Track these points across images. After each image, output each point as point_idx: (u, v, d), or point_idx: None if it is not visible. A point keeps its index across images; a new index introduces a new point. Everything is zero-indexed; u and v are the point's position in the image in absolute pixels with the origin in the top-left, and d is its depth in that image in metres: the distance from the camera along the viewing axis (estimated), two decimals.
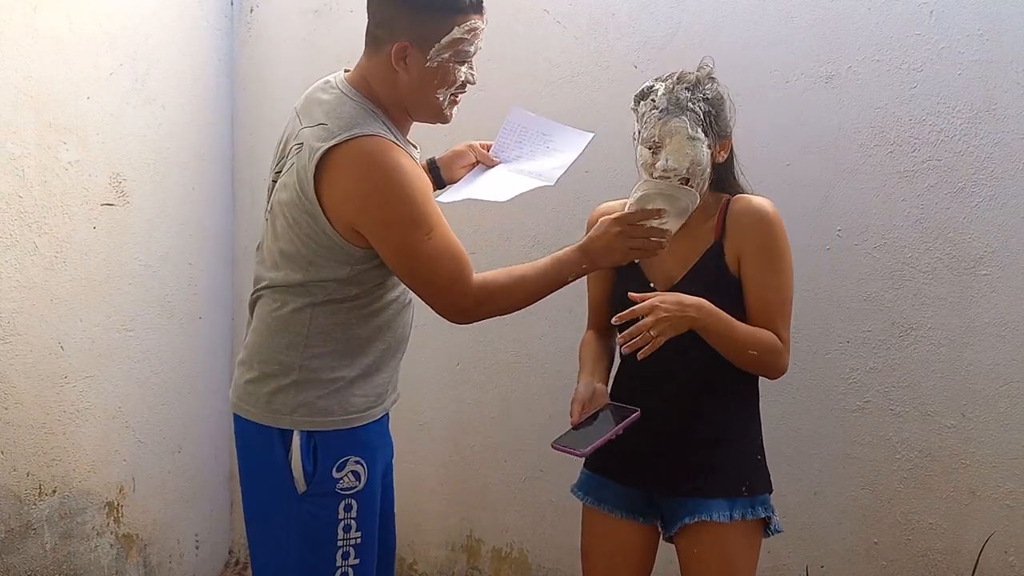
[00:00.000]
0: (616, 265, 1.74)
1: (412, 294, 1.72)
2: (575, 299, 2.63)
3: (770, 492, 1.79)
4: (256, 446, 1.69)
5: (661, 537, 1.83)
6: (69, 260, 2.46)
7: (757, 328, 1.70)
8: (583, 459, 1.79)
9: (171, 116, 2.75)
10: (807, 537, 2.40)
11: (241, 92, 3.01)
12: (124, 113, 2.59)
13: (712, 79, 1.76)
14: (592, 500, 1.84)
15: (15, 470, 2.36)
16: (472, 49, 1.62)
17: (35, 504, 2.41)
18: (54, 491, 2.47)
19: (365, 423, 1.66)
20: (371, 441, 1.68)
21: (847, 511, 2.37)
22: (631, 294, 1.66)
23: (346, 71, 1.70)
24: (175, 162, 2.78)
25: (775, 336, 1.71)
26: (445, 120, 1.68)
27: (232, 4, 2.98)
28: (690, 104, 1.70)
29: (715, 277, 1.73)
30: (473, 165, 1.92)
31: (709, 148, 1.71)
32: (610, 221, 1.65)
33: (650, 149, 1.72)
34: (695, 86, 1.72)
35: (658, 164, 1.69)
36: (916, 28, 2.23)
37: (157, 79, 2.69)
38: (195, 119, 2.86)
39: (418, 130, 1.75)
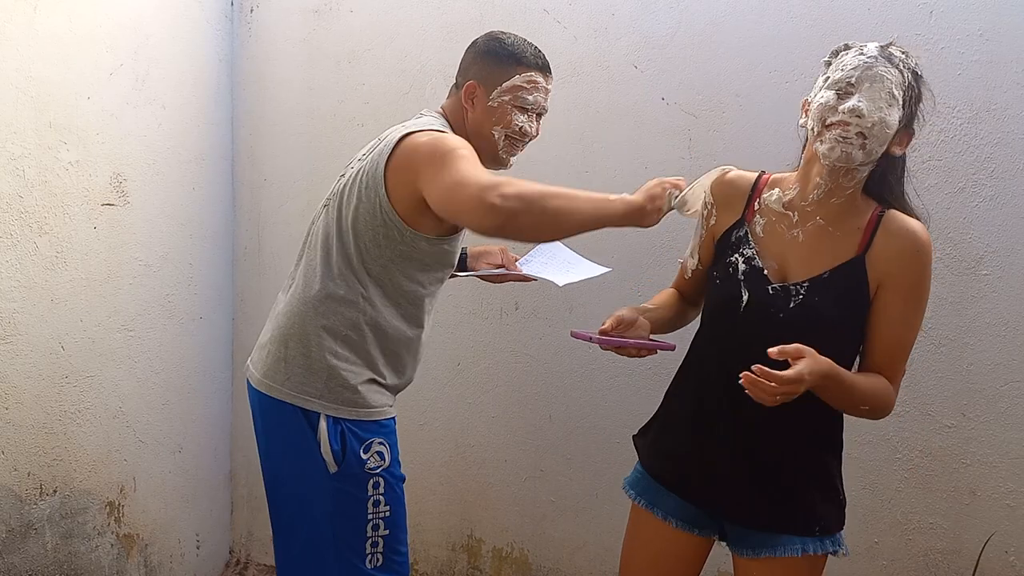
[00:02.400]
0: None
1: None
2: (575, 298, 2.63)
3: (842, 528, 1.68)
4: (285, 425, 1.81)
5: (716, 544, 1.75)
6: (69, 260, 2.46)
7: (873, 380, 1.56)
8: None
9: (171, 116, 2.75)
10: None
11: (241, 92, 3.02)
12: (124, 113, 2.59)
13: (920, 73, 1.57)
14: (646, 503, 1.75)
15: (16, 470, 2.36)
16: (532, 99, 1.82)
17: (36, 504, 2.41)
18: (55, 491, 2.47)
19: (382, 419, 1.83)
20: (390, 427, 1.85)
21: (847, 511, 2.37)
22: (774, 351, 1.43)
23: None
24: (175, 162, 2.78)
25: (887, 382, 1.57)
26: (502, 162, 1.88)
27: (232, 4, 2.98)
28: (901, 65, 1.52)
29: (852, 294, 1.56)
30: (498, 267, 2.08)
31: (899, 123, 1.52)
32: (648, 195, 1.65)
33: (838, 92, 1.52)
34: (909, 55, 1.55)
35: (844, 106, 1.50)
36: (916, 28, 2.23)
37: (157, 79, 2.69)
38: (195, 119, 2.86)
39: None
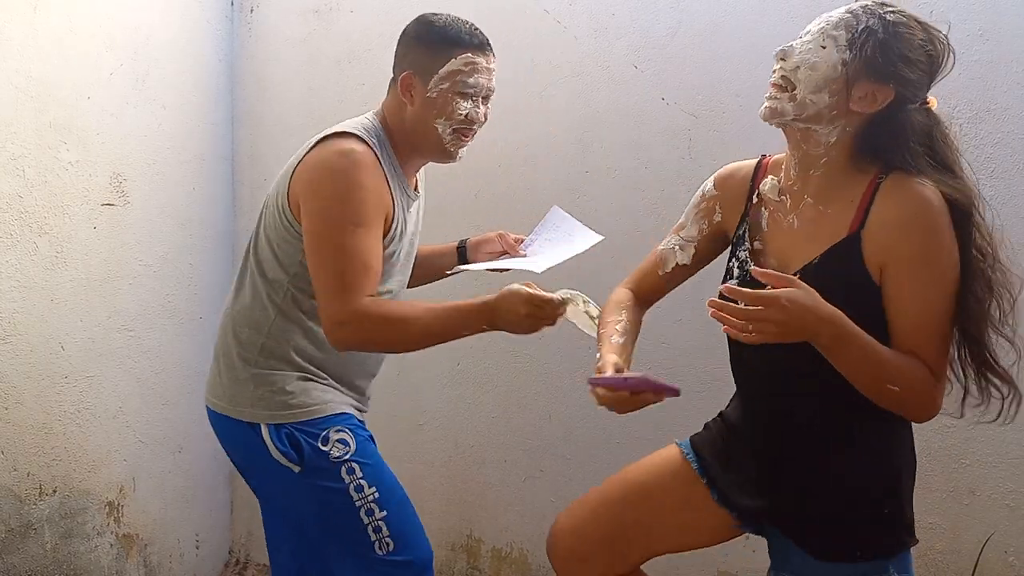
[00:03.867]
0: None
1: None
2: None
3: (911, 543, 1.45)
4: (238, 440, 1.76)
5: (741, 531, 1.59)
6: (69, 260, 2.46)
7: (906, 358, 1.31)
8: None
9: (171, 116, 2.75)
10: None
11: (241, 92, 3.01)
12: (124, 113, 2.59)
13: (923, 24, 1.38)
14: (698, 467, 1.56)
15: (15, 470, 2.36)
16: (473, 82, 1.66)
17: (35, 504, 2.41)
18: (54, 491, 2.47)
19: (325, 415, 1.72)
20: (346, 419, 1.75)
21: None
22: (757, 269, 1.29)
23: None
24: (175, 162, 2.78)
25: (924, 366, 1.33)
26: (449, 155, 1.74)
27: (232, 4, 2.98)
28: (860, 11, 1.34)
29: (847, 278, 1.34)
30: (500, 254, 1.96)
31: (844, 67, 1.31)
32: (522, 300, 1.63)
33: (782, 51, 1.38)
34: (884, 5, 1.36)
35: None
36: None
37: (157, 79, 2.69)
38: (195, 119, 2.86)
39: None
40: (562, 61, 2.60)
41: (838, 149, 1.37)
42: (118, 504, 2.67)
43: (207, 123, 2.91)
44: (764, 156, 1.54)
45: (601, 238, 1.90)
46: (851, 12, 1.34)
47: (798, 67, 1.33)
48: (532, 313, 1.64)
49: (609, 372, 1.40)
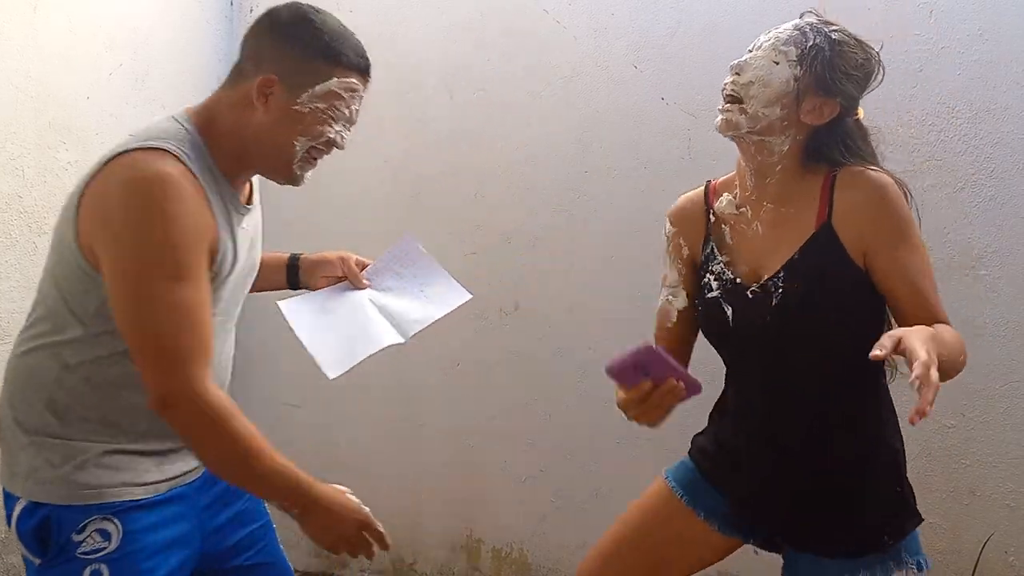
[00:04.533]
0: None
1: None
2: (575, 299, 2.63)
3: (918, 522, 1.48)
4: None
5: (749, 546, 1.64)
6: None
7: (944, 328, 1.36)
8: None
9: None
10: None
11: None
12: (124, 113, 2.59)
13: (860, 42, 1.46)
14: (688, 499, 1.61)
15: None
16: (347, 110, 1.42)
17: None
18: None
19: (110, 500, 1.32)
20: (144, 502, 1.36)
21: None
22: (877, 348, 1.19)
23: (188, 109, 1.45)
24: None
25: (950, 327, 1.38)
26: (293, 178, 1.44)
27: (232, 4, 2.98)
28: (807, 28, 1.43)
29: (833, 264, 1.40)
30: (339, 279, 1.69)
31: (796, 82, 1.40)
32: (353, 520, 1.42)
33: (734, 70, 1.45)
34: (827, 24, 1.46)
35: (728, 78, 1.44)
36: (916, 28, 2.23)
37: (157, 79, 2.69)
38: None
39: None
40: (562, 61, 2.60)
41: (790, 156, 1.45)
42: None
43: None
44: (709, 181, 1.61)
45: (470, 296, 1.67)
46: (799, 29, 1.43)
47: (752, 82, 1.41)
48: (355, 538, 1.43)
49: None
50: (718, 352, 1.57)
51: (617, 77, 2.54)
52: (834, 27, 1.45)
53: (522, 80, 2.65)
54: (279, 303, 1.64)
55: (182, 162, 1.31)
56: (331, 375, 1.54)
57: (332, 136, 1.43)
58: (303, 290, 1.70)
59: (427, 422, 2.84)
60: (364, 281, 1.69)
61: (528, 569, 2.75)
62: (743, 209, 1.50)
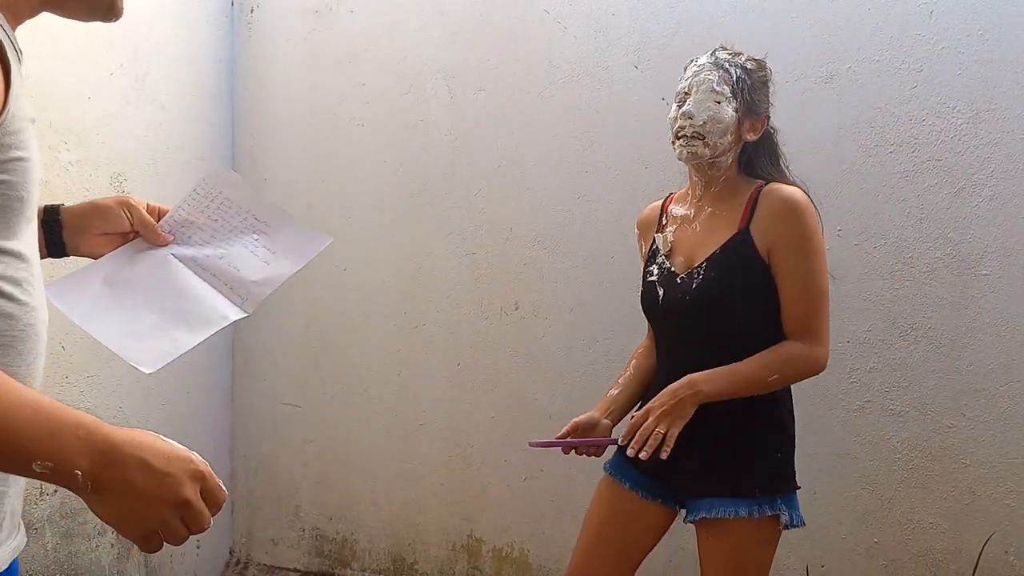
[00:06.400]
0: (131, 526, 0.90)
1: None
2: (575, 299, 2.63)
3: (791, 491, 1.74)
4: None
5: (682, 520, 1.84)
6: (69, 260, 2.45)
7: (765, 352, 1.68)
8: (569, 450, 1.85)
9: (171, 116, 2.75)
10: (807, 537, 2.40)
11: (241, 92, 3.01)
12: (124, 113, 2.59)
13: (759, 62, 1.78)
14: (619, 476, 1.87)
15: None
16: None
17: (36, 504, 2.41)
18: (55, 491, 2.47)
19: None
20: None
21: (847, 511, 2.37)
22: (632, 415, 1.73)
23: None
24: (175, 162, 2.78)
25: (795, 344, 1.69)
26: (117, 11, 1.10)
27: (232, 4, 2.98)
28: (727, 65, 1.73)
29: (743, 262, 1.70)
30: (126, 237, 1.21)
31: (736, 113, 1.71)
32: (185, 472, 0.83)
33: (678, 103, 1.75)
34: (737, 55, 1.76)
35: (679, 112, 1.72)
36: (916, 28, 2.23)
37: (157, 79, 2.69)
38: (195, 119, 2.86)
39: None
40: (562, 61, 2.60)
41: (731, 168, 1.77)
42: None
43: (207, 123, 2.91)
44: (672, 193, 1.91)
45: (330, 240, 1.26)
46: (720, 67, 1.72)
47: (705, 122, 1.70)
48: (187, 505, 0.83)
49: (581, 418, 1.88)
50: (650, 326, 1.87)
51: (617, 77, 2.54)
52: (740, 55, 1.76)
53: (522, 80, 2.65)
54: (46, 288, 1.03)
55: None
56: (147, 370, 1.15)
57: None
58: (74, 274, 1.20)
59: (427, 422, 2.84)
60: (165, 235, 1.21)
61: (529, 569, 2.76)
62: (689, 211, 1.81)
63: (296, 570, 3.05)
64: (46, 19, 2.47)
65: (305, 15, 2.92)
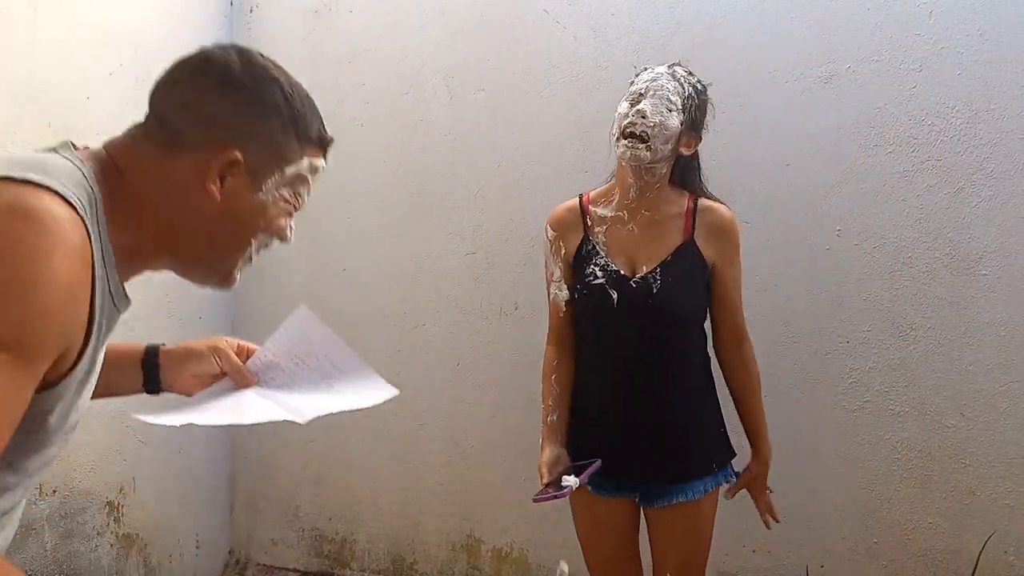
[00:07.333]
0: None
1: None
2: None
3: (734, 456, 1.97)
4: None
5: (648, 508, 1.98)
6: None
7: (745, 379, 1.95)
8: (566, 495, 1.92)
9: None
10: (807, 537, 2.40)
11: None
12: (124, 113, 2.55)
13: (706, 87, 1.90)
14: (591, 487, 1.99)
15: None
16: (307, 198, 1.14)
17: (35, 504, 2.41)
18: (54, 491, 2.47)
19: None
20: None
21: (847, 511, 2.37)
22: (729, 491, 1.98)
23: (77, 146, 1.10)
24: None
25: (742, 350, 1.95)
26: (229, 282, 1.12)
27: (232, 4, 2.98)
28: (682, 80, 1.84)
29: (694, 270, 1.89)
30: (215, 378, 1.28)
31: (681, 125, 1.82)
32: None
33: (631, 103, 1.82)
34: (691, 74, 1.88)
35: (632, 110, 1.80)
36: (916, 28, 2.23)
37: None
38: None
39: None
40: (562, 61, 2.60)
41: (665, 177, 1.89)
42: (118, 504, 2.67)
43: None
44: (582, 194, 1.98)
45: (396, 392, 1.32)
46: (676, 79, 1.83)
47: (655, 125, 1.79)
48: None
49: (547, 458, 2.02)
50: (590, 330, 1.94)
51: (617, 77, 2.54)
52: (693, 76, 1.87)
53: (522, 80, 2.65)
54: (143, 417, 1.19)
55: (79, 216, 0.92)
56: (246, 421, 1.23)
57: (284, 228, 1.10)
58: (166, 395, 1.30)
59: (426, 422, 2.84)
60: (250, 377, 1.26)
61: (528, 569, 2.75)
62: (621, 213, 1.91)
63: (296, 570, 3.05)
64: (46, 18, 2.48)
65: (305, 15, 2.92)
